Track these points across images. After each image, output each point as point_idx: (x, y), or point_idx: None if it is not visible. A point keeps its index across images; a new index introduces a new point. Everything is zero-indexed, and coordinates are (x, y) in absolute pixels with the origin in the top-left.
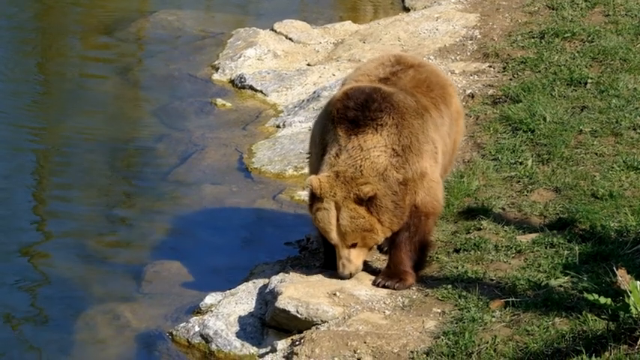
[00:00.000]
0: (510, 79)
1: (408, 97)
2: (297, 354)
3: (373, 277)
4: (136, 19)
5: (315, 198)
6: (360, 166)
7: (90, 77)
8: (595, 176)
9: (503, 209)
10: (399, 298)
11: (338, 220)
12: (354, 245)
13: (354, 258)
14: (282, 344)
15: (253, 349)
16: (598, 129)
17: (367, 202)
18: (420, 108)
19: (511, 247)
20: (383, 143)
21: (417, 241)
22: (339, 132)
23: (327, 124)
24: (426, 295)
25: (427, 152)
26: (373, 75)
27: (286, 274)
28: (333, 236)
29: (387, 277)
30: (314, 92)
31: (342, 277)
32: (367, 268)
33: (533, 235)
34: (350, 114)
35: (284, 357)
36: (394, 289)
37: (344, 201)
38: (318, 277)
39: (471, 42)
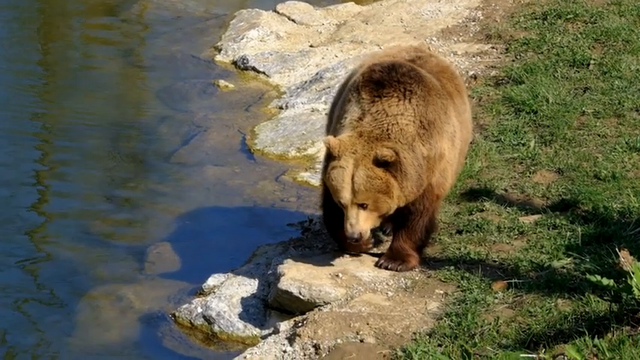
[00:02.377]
0: (513, 61)
1: (433, 78)
2: (299, 335)
3: (376, 259)
4: (139, 0)
5: (331, 157)
6: (388, 130)
7: (92, 58)
8: (597, 157)
9: (506, 190)
10: (402, 279)
11: (353, 178)
12: (363, 207)
13: (362, 220)
14: (284, 325)
15: (256, 331)
16: (601, 110)
17: (392, 166)
18: (444, 90)
19: (514, 229)
20: (411, 112)
21: (425, 222)
22: (362, 95)
23: (348, 94)
24: (428, 277)
25: (447, 133)
26: (399, 57)
27: (289, 256)
28: (345, 194)
29: (390, 258)
30: (316, 74)
31: (350, 238)
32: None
33: (536, 217)
34: (375, 76)
35: (287, 338)
36: (397, 270)
37: (363, 159)
38: (321, 259)
39: (473, 23)
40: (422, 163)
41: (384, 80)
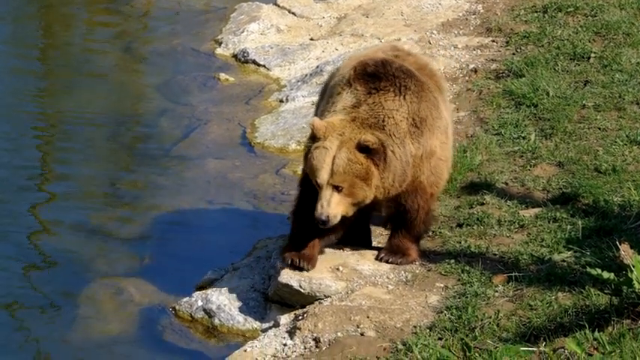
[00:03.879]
0: (513, 54)
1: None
2: (300, 328)
3: (376, 252)
4: None
5: (315, 139)
6: (384, 121)
7: (93, 51)
8: (598, 151)
9: (506, 184)
10: (402, 272)
11: (334, 159)
12: (338, 189)
13: (334, 203)
14: (285, 319)
15: (256, 324)
16: (601, 103)
17: (375, 154)
18: (432, 86)
19: (514, 222)
20: (405, 109)
21: (422, 219)
22: (357, 87)
23: (338, 88)
24: (429, 270)
25: (439, 129)
26: (377, 57)
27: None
28: (322, 174)
29: (391, 252)
30: (317, 67)
31: (318, 220)
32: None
33: (536, 210)
34: (369, 69)
35: (287, 332)
36: (398, 264)
37: (349, 142)
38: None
39: (474, 16)
40: (408, 160)
41: (380, 74)
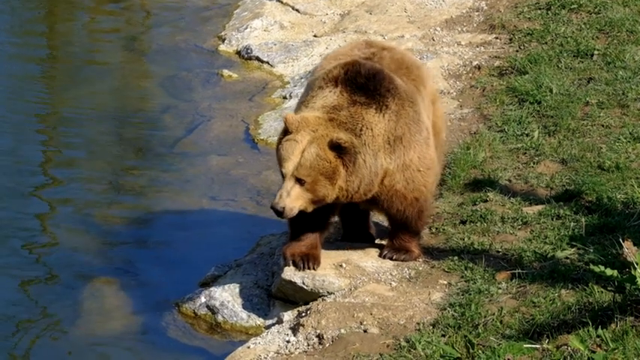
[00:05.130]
0: (517, 51)
1: (403, 83)
2: (303, 325)
3: (379, 249)
4: None
5: (286, 133)
6: (361, 130)
7: (96, 48)
8: (601, 148)
9: (510, 181)
10: (406, 269)
11: (303, 153)
12: (301, 183)
13: (293, 196)
14: (288, 315)
15: (259, 321)
16: (604, 101)
17: (345, 155)
18: (414, 93)
19: (517, 219)
20: (383, 127)
21: (413, 218)
22: (343, 92)
23: (322, 83)
24: (432, 267)
25: (418, 142)
26: (355, 56)
27: None
28: (288, 165)
29: (393, 249)
30: None
31: (273, 208)
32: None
33: (540, 207)
34: (360, 80)
35: (290, 328)
36: (402, 261)
37: (320, 138)
38: (325, 248)
39: (477, 13)
40: (377, 172)
41: (368, 90)
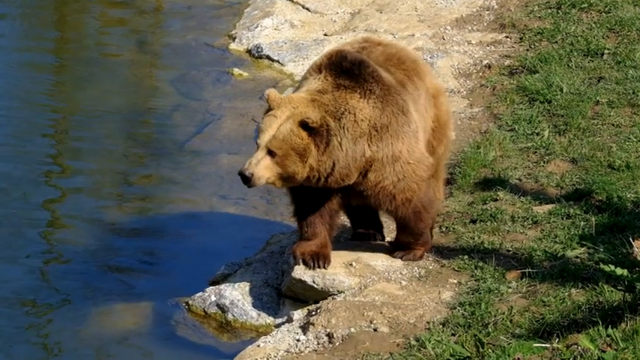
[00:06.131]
0: (527, 50)
1: (388, 74)
2: (313, 324)
3: (389, 248)
4: None
5: (269, 109)
6: (343, 114)
7: (107, 46)
8: (612, 147)
9: (520, 180)
10: (416, 268)
11: (279, 127)
12: (272, 154)
13: (262, 165)
14: (298, 314)
15: (269, 319)
16: (615, 100)
17: (317, 135)
18: (399, 84)
19: (527, 218)
20: (368, 112)
21: (409, 219)
22: (327, 76)
23: (307, 74)
24: (442, 266)
25: (406, 134)
26: (354, 54)
27: None
28: (264, 136)
29: (397, 247)
30: None
31: (241, 174)
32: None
33: (550, 206)
34: (345, 64)
35: (300, 327)
36: (402, 259)
37: (297, 115)
38: (335, 247)
39: (487, 12)
40: (356, 158)
41: (352, 74)
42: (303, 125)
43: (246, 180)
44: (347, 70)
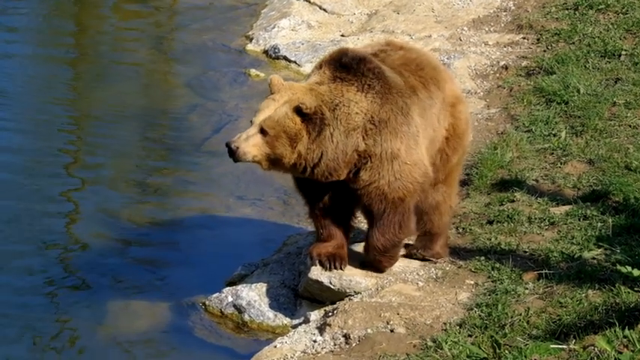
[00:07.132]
0: (544, 51)
1: (397, 76)
2: (330, 325)
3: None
4: None
5: (270, 94)
6: (337, 106)
7: (124, 47)
8: (629, 148)
9: (537, 181)
10: (432, 269)
11: (275, 110)
12: (264, 133)
13: (252, 142)
14: (315, 315)
15: (286, 320)
16: (632, 101)
17: (310, 122)
18: (408, 88)
19: (544, 219)
20: (365, 106)
21: (396, 222)
22: (325, 70)
23: (312, 70)
24: (459, 267)
25: (405, 134)
26: (359, 51)
27: None
28: (260, 115)
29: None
30: None
31: (227, 146)
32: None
33: (567, 207)
34: (345, 60)
35: (317, 328)
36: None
37: (294, 101)
38: (352, 248)
39: (505, 13)
40: (346, 151)
41: (351, 68)
42: (298, 110)
43: (231, 153)
44: (345, 64)
